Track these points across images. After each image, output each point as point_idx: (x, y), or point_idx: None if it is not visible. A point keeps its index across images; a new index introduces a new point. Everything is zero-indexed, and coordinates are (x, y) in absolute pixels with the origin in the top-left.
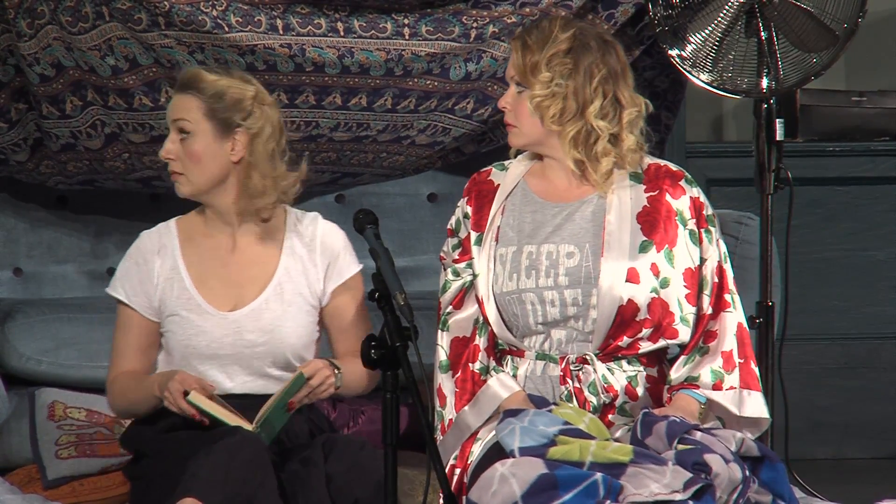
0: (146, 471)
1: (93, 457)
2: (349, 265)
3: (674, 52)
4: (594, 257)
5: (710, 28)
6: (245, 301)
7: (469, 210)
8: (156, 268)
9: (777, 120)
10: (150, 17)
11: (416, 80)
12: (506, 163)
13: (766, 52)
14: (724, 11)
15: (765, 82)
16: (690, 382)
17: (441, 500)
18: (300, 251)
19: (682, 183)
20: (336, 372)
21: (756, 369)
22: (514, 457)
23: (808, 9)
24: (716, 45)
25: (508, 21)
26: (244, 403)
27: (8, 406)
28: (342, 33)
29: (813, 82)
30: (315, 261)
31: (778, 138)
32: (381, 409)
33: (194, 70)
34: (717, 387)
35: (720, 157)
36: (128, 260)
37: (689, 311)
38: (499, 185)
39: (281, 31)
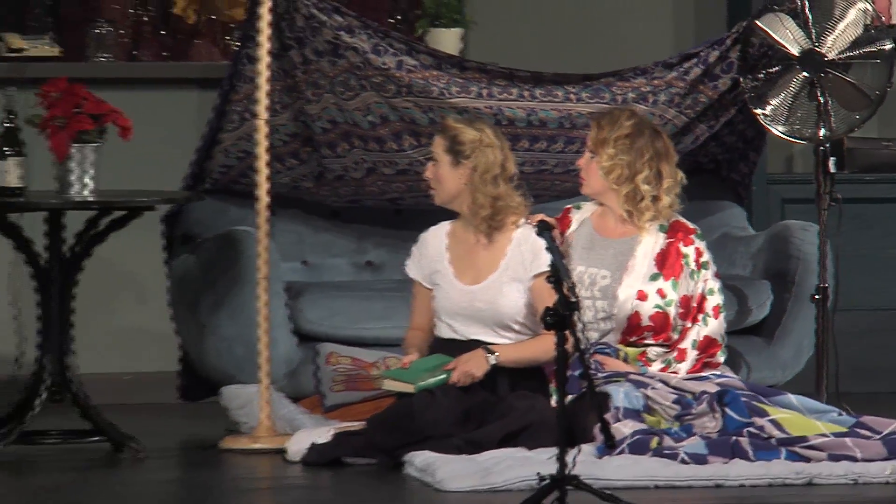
0: None
1: (356, 390)
2: (544, 261)
3: (758, 111)
4: (619, 281)
5: (783, 94)
6: (479, 279)
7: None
8: (431, 251)
9: (830, 158)
10: (396, 88)
11: (580, 130)
12: (583, 203)
13: (823, 111)
14: (794, 83)
15: (822, 132)
16: (647, 360)
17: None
18: (522, 247)
19: (693, 237)
20: (487, 356)
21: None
22: (616, 411)
23: (851, 81)
24: (788, 106)
25: (643, 89)
26: (475, 345)
27: (299, 354)
28: (528, 98)
29: (855, 132)
30: (526, 252)
31: (831, 171)
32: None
33: (447, 118)
34: (664, 370)
35: (791, 183)
36: (416, 246)
37: (680, 323)
38: (572, 218)
39: (486, 98)
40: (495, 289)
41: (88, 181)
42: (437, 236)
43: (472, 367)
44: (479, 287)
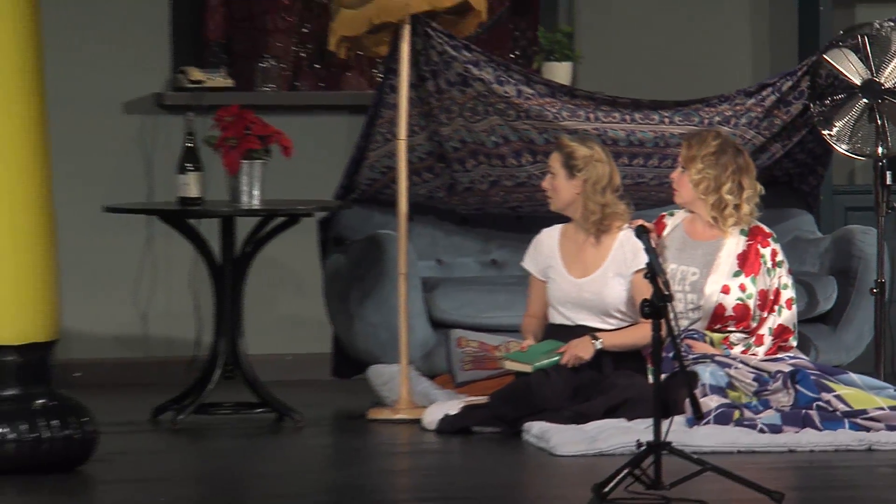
0: None
1: (482, 370)
2: (642, 260)
3: (826, 132)
4: (706, 277)
5: (847, 117)
6: (587, 273)
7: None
8: (545, 249)
9: (887, 172)
10: (516, 113)
11: (672, 148)
12: (675, 211)
13: (881, 132)
14: (856, 108)
15: (880, 150)
16: (730, 344)
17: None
18: (625, 247)
19: (770, 240)
20: (593, 341)
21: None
22: (704, 387)
23: None
24: (850, 128)
25: (726, 114)
26: (582, 329)
27: (434, 339)
28: (628, 121)
29: None
30: (627, 252)
31: (888, 183)
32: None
33: (562, 137)
34: (744, 352)
35: (854, 193)
36: (532, 245)
37: (759, 313)
38: (666, 224)
39: (592, 121)
40: (601, 282)
41: (256, 192)
42: (550, 236)
43: (580, 351)
44: (586, 280)
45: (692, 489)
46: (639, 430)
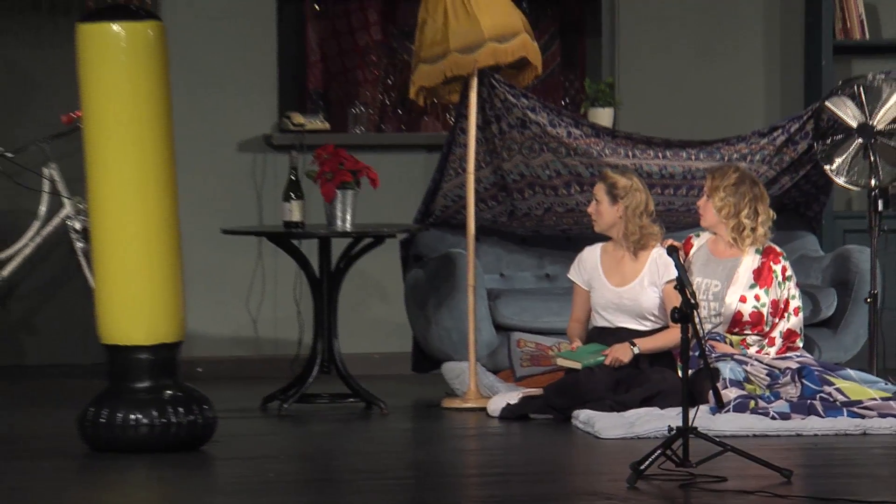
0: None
1: (538, 366)
2: (673, 273)
3: (827, 167)
4: (726, 289)
5: (845, 155)
6: (626, 283)
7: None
8: (588, 264)
9: (879, 200)
10: (566, 151)
11: (698, 181)
12: (700, 233)
13: (874, 167)
14: (853, 147)
15: (873, 182)
16: (747, 345)
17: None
18: (658, 262)
19: (781, 258)
20: (632, 347)
21: (789, 346)
22: (724, 381)
23: (893, 146)
24: (848, 163)
25: (743, 151)
26: (622, 331)
27: (497, 340)
28: (661, 158)
29: None
30: (660, 266)
31: (879, 209)
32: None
33: (606, 170)
34: (758, 352)
35: (851, 218)
36: (577, 260)
37: (771, 319)
38: (693, 244)
39: (630, 157)
40: (637, 290)
41: (348, 217)
42: (592, 252)
43: (621, 355)
44: (625, 289)
45: (715, 467)
46: (670, 417)
